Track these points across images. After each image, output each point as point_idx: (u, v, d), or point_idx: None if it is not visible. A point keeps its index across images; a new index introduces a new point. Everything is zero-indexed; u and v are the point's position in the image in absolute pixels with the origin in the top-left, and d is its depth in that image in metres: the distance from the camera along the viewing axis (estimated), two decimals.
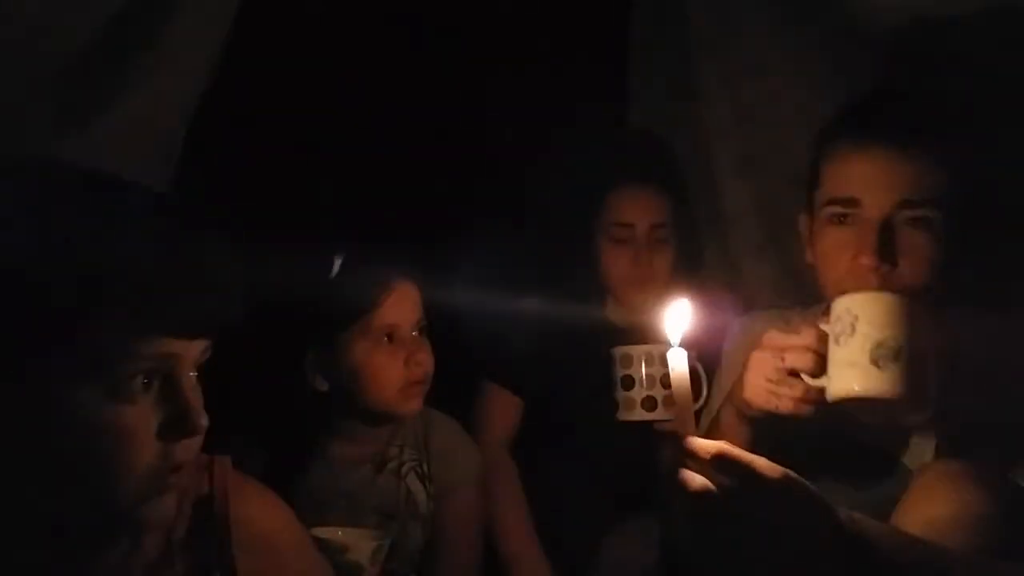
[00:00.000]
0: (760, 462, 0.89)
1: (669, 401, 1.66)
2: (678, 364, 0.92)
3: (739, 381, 1.30)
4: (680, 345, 0.93)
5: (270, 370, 1.71)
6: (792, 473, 0.90)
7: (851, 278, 1.25)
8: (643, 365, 1.69)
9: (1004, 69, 1.42)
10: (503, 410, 1.96)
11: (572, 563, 1.85)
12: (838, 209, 1.28)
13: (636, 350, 1.70)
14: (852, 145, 1.28)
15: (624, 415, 1.72)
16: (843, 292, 1.20)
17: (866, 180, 1.25)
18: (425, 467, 1.69)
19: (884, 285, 1.22)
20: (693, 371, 1.67)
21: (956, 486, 1.10)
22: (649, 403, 1.69)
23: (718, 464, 0.88)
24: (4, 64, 0.97)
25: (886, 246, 1.23)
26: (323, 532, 1.36)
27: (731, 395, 1.34)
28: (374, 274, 1.62)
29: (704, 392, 1.66)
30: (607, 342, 1.88)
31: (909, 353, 1.11)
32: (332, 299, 1.62)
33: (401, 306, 1.61)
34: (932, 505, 1.09)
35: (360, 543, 1.34)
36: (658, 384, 1.68)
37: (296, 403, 1.67)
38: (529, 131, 2.20)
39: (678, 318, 0.94)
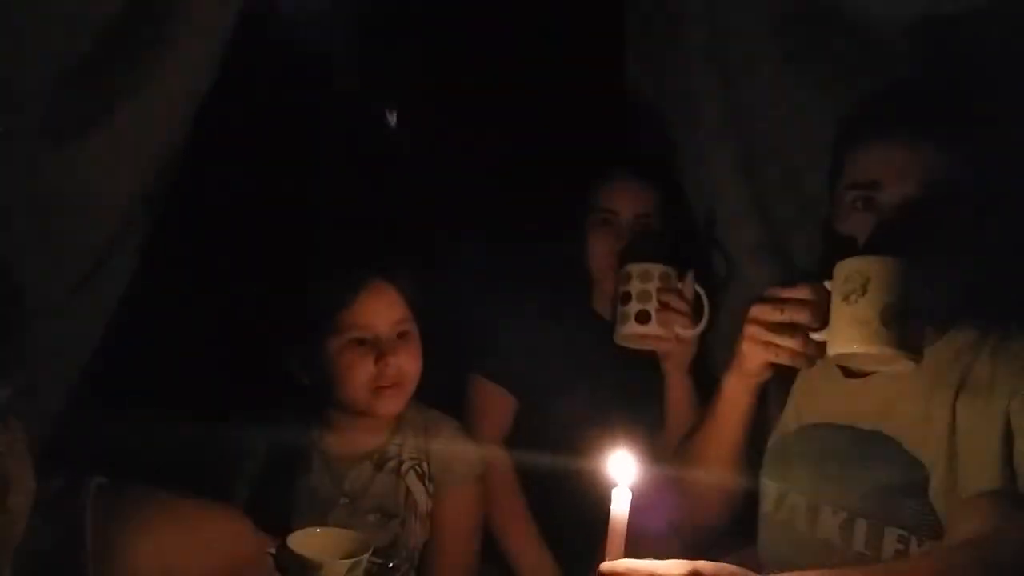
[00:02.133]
0: (663, 567, 0.93)
1: (663, 318, 1.68)
2: (620, 506, 0.96)
3: (740, 338, 1.36)
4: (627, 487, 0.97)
5: (260, 365, 1.72)
6: (701, 565, 0.93)
7: None
8: (638, 281, 1.70)
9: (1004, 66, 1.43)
10: (496, 407, 1.93)
11: (571, 560, 1.85)
12: (860, 193, 1.32)
13: (634, 267, 1.72)
14: (874, 133, 1.33)
15: (619, 330, 1.72)
16: None
17: (888, 165, 1.30)
18: (425, 466, 1.69)
19: None
20: (696, 298, 1.71)
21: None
22: (643, 316, 1.69)
23: None
24: (3, 72, 0.98)
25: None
26: (297, 545, 1.31)
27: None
28: (348, 273, 1.62)
29: (706, 315, 1.70)
30: (593, 335, 1.88)
31: (913, 313, 1.20)
32: (306, 297, 1.63)
33: (375, 306, 1.61)
34: None
35: (334, 563, 1.29)
36: (653, 299, 1.69)
37: (288, 396, 1.68)
38: (520, 125, 2.20)
39: (624, 464, 0.99)
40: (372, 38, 2.21)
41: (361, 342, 1.59)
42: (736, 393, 1.41)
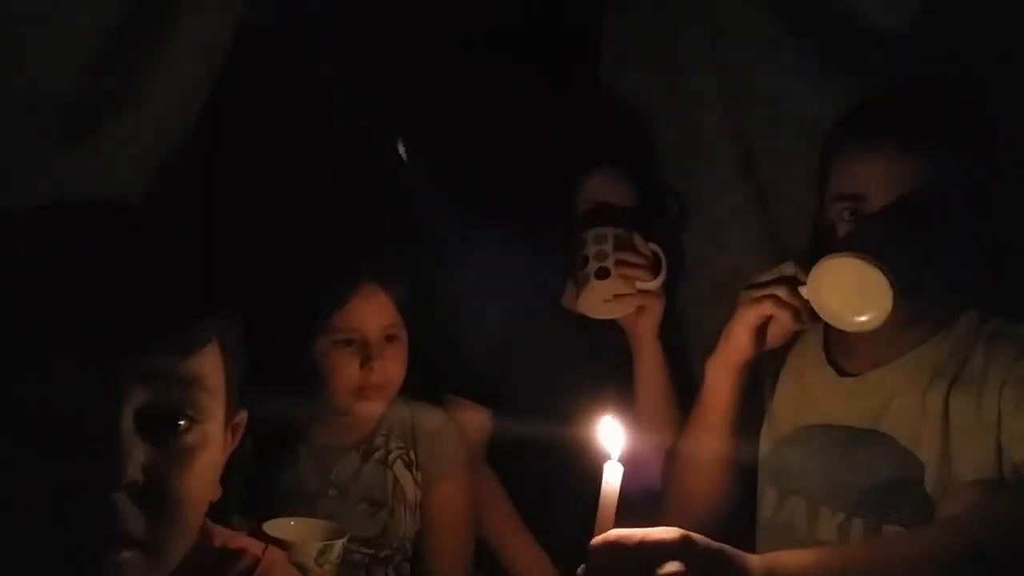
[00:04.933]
0: (654, 532, 0.92)
1: (622, 273, 1.69)
2: (612, 479, 0.93)
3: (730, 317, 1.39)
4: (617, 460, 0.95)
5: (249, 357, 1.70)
6: (690, 533, 0.93)
7: None
8: (594, 244, 1.72)
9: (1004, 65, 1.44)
10: (471, 423, 1.87)
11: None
12: (847, 205, 1.32)
13: (588, 233, 1.73)
14: (859, 145, 1.32)
15: (583, 297, 1.72)
16: None
17: (873, 177, 1.30)
18: (412, 455, 1.69)
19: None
20: (655, 256, 1.73)
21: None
22: (601, 272, 1.70)
23: (616, 550, 0.91)
24: (5, 83, 0.95)
25: None
26: (272, 529, 1.34)
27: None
28: (340, 275, 1.62)
29: (664, 269, 1.73)
30: (567, 334, 1.87)
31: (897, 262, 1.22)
32: (299, 294, 1.63)
33: (365, 309, 1.61)
34: None
35: (303, 545, 1.32)
36: (610, 257, 1.71)
37: (275, 388, 1.67)
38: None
39: (613, 434, 0.96)
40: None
41: (348, 343, 1.60)
42: (719, 375, 1.42)
